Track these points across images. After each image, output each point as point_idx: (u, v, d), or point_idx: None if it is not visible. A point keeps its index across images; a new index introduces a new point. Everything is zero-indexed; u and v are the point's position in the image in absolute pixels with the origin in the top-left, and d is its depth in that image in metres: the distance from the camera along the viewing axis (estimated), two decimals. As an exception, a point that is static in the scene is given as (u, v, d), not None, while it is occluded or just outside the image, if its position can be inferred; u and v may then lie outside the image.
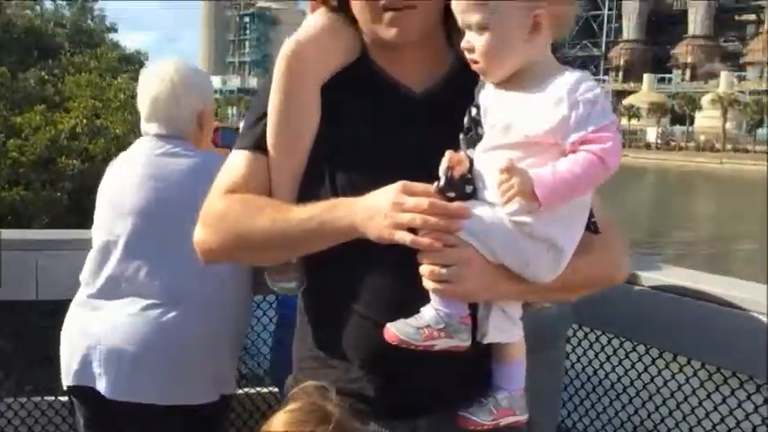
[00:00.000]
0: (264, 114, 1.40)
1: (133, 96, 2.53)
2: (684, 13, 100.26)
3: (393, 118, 1.36)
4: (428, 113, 1.35)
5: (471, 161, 1.22)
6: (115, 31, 13.10)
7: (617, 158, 1.16)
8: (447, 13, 1.30)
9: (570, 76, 1.18)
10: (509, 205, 1.17)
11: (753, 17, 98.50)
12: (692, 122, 76.05)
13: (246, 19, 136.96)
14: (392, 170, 1.25)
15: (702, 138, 72.50)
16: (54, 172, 7.39)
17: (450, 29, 1.34)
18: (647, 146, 74.62)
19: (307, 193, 1.36)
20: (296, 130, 1.38)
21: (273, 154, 1.39)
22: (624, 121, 77.65)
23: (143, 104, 2.19)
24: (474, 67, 1.24)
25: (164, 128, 2.15)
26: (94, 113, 8.42)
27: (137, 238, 2.06)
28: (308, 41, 1.38)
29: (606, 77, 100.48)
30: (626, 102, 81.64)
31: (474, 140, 1.24)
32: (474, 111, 1.26)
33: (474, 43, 1.22)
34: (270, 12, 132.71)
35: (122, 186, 2.12)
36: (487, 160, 1.21)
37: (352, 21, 1.39)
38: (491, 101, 1.24)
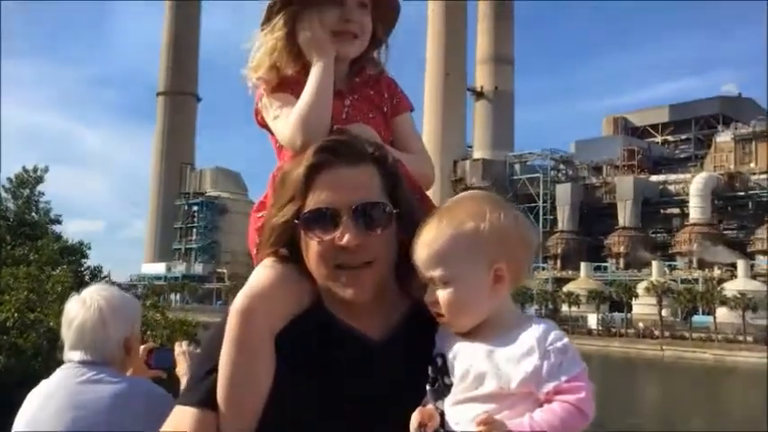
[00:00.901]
0: (214, 369, 1.31)
1: (72, 287, 2.45)
2: (614, 206, 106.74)
3: (351, 368, 1.29)
4: (387, 361, 1.29)
5: (442, 414, 1.14)
6: (59, 223, 12.98)
7: (593, 407, 1.13)
8: (400, 257, 1.28)
9: (538, 326, 1.16)
10: None
11: (677, 210, 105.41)
12: (629, 309, 78.01)
13: (195, 207, 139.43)
14: (355, 422, 1.16)
15: (641, 325, 74.11)
16: (-22, 369, 6.94)
17: (404, 273, 1.31)
18: (589, 332, 75.59)
19: None
20: (249, 384, 1.28)
21: (224, 410, 1.28)
22: (565, 308, 79.28)
23: (68, 333, 2.11)
24: (440, 319, 1.21)
25: (89, 355, 2.06)
26: (28, 306, 8.12)
27: None
28: (259, 295, 1.32)
29: (545, 265, 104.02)
30: (566, 288, 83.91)
31: (441, 391, 1.17)
32: (439, 361, 1.20)
33: (438, 297, 1.19)
34: (219, 200, 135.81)
35: (39, 419, 1.96)
36: (460, 413, 1.14)
37: (304, 269, 1.34)
38: (457, 351, 1.19)
